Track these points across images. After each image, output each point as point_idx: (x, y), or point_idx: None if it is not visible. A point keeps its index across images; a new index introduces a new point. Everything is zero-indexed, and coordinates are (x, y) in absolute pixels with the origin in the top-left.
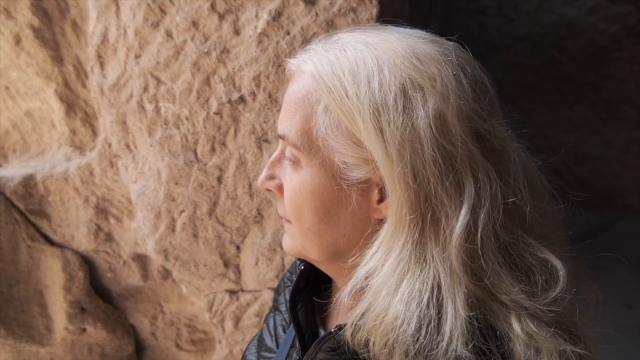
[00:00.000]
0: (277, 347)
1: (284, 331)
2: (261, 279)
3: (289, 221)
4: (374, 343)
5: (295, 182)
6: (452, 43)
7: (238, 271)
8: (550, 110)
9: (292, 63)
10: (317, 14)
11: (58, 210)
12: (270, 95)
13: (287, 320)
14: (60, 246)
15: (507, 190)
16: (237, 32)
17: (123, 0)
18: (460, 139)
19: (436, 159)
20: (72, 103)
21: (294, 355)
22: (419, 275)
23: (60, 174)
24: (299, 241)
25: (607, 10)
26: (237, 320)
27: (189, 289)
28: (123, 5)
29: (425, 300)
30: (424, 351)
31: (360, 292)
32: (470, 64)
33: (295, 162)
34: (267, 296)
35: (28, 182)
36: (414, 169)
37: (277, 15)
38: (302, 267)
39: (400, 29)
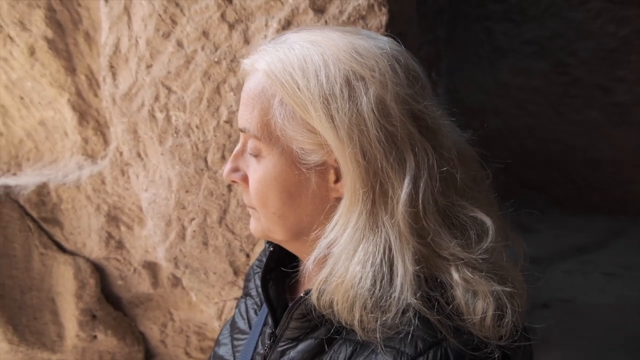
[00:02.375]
0: (250, 328)
1: (256, 314)
2: None
3: (253, 208)
4: (337, 302)
5: (260, 172)
6: (386, 38)
7: None
8: (560, 114)
9: (246, 63)
10: (326, 22)
11: (70, 218)
12: None
13: (259, 304)
14: (72, 254)
15: (441, 161)
16: (247, 41)
17: (135, 11)
18: (399, 120)
19: (380, 138)
20: (84, 112)
21: (267, 331)
22: (373, 239)
23: (72, 182)
24: (265, 225)
25: (615, 13)
26: None
27: (198, 297)
28: (135, 16)
29: (378, 260)
30: (379, 302)
31: (322, 262)
32: (403, 55)
33: (258, 154)
34: None
35: (41, 191)
36: (363, 148)
37: (286, 24)
38: (271, 249)
39: (340, 28)
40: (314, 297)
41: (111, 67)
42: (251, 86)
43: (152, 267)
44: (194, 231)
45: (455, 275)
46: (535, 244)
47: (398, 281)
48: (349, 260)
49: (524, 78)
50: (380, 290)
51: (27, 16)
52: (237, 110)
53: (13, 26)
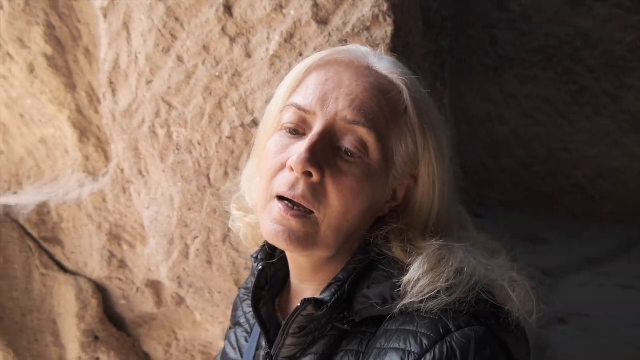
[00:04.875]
0: (242, 356)
1: (247, 341)
2: None
3: (310, 210)
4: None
5: (360, 172)
6: None
7: None
8: (569, 122)
9: (370, 59)
10: (330, 34)
11: (71, 237)
12: None
13: (248, 331)
14: (73, 274)
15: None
16: (248, 55)
17: (134, 27)
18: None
19: (449, 168)
20: (85, 129)
21: (262, 353)
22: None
23: (73, 200)
24: (323, 230)
25: (622, 19)
26: None
27: (203, 316)
28: (134, 31)
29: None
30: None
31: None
32: None
33: (362, 155)
34: None
35: (42, 210)
36: (444, 175)
37: (289, 37)
38: (261, 267)
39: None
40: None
41: (111, 83)
42: (384, 87)
43: (155, 286)
44: (198, 249)
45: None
46: (547, 256)
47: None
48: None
49: (531, 87)
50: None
51: (26, 33)
52: (240, 125)
53: (12, 44)
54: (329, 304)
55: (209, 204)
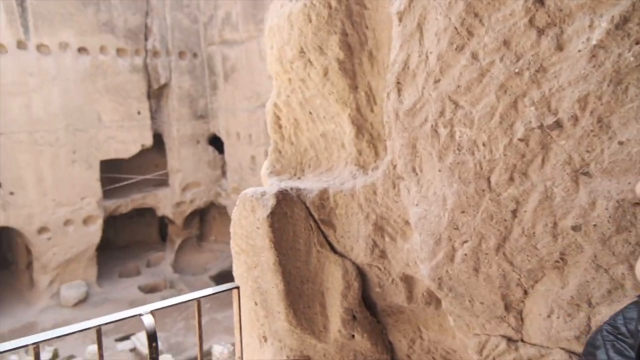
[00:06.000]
0: None
1: None
2: (553, 335)
3: None
4: None
5: None
6: None
7: (520, 318)
8: None
9: None
10: None
11: (342, 222)
12: (599, 120)
13: None
14: (341, 255)
15: None
16: (559, 48)
17: (428, 27)
18: None
19: None
20: (361, 126)
21: None
22: None
23: (348, 190)
24: None
25: None
26: None
27: (457, 323)
28: (427, 32)
29: None
30: None
31: None
32: None
33: None
34: (558, 357)
35: (323, 195)
36: None
37: (621, 22)
38: None
39: None
40: None
41: (397, 83)
42: None
43: (409, 281)
44: (465, 254)
45: None
46: None
47: None
48: None
49: None
50: None
51: (325, 42)
52: (537, 127)
53: (313, 51)
54: None
55: (485, 208)
